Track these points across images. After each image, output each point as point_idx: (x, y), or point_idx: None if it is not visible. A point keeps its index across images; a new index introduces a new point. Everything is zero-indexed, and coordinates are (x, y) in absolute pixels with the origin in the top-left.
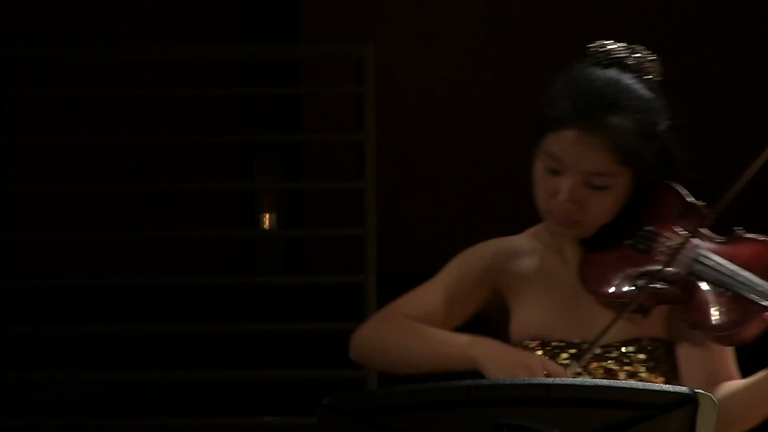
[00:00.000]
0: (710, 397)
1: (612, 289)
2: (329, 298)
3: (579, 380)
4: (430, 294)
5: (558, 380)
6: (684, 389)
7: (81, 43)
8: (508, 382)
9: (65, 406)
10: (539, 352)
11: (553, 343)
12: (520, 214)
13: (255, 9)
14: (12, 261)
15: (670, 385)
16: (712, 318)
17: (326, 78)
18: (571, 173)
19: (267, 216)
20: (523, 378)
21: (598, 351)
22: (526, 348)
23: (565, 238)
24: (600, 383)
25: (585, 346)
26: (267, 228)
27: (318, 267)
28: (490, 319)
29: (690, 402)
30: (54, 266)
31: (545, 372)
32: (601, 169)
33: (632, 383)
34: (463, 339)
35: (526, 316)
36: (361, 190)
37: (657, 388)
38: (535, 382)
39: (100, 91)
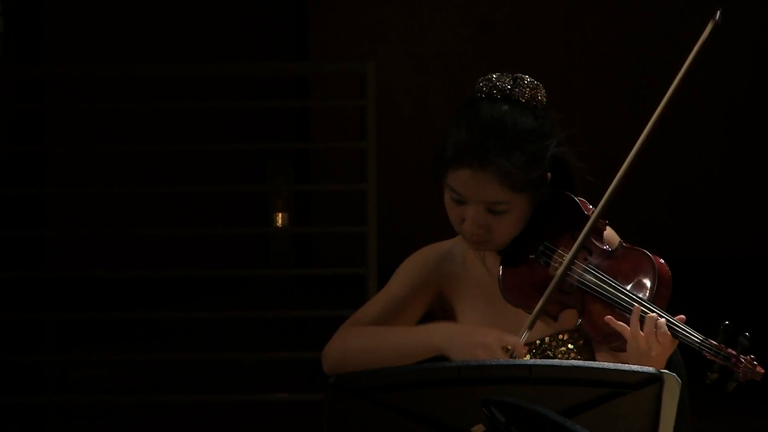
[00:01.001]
0: (674, 376)
1: (523, 299)
2: (335, 288)
3: (557, 361)
4: (382, 304)
5: (539, 361)
6: (651, 369)
7: (114, 60)
8: (494, 363)
9: (98, 384)
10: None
11: None
12: None
13: (270, 31)
14: (51, 255)
15: (639, 366)
16: (598, 330)
17: (332, 92)
18: (472, 203)
19: (279, 215)
20: (506, 359)
21: (524, 349)
22: None
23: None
24: (576, 364)
25: (509, 349)
26: (279, 226)
27: (325, 260)
28: (436, 318)
29: (656, 381)
30: (89, 260)
31: (503, 346)
32: (496, 199)
33: (605, 364)
34: (423, 329)
35: (467, 313)
36: (363, 192)
37: (627, 368)
38: (518, 363)
39: (130, 104)
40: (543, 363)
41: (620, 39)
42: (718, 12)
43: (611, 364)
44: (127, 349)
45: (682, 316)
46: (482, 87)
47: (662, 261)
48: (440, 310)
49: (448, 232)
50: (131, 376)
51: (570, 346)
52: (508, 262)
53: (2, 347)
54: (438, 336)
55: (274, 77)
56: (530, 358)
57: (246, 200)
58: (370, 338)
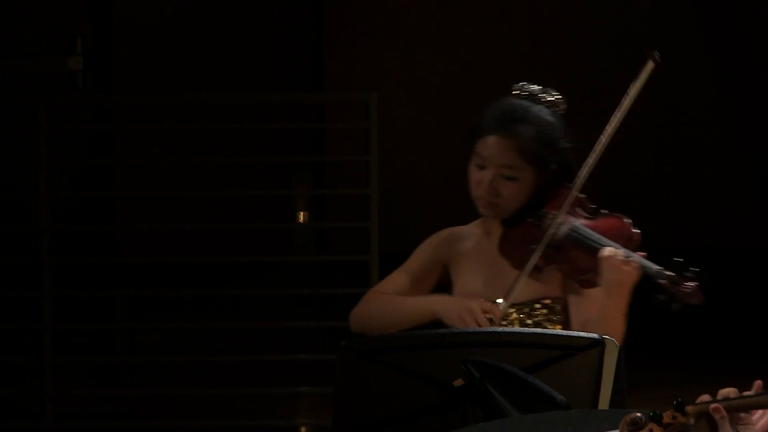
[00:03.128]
0: (614, 341)
1: (517, 253)
2: (344, 271)
3: (521, 329)
4: (400, 278)
5: (506, 329)
6: (595, 335)
7: (169, 89)
8: (470, 330)
9: (157, 347)
10: None
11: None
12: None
13: (295, 66)
14: (122, 244)
15: (585, 332)
16: (576, 269)
17: (343, 116)
18: (491, 167)
19: (301, 213)
20: (473, 324)
21: (513, 309)
22: None
23: (493, 224)
24: (535, 331)
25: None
26: (301, 222)
27: (337, 249)
28: (446, 291)
29: (599, 345)
30: (152, 248)
31: (483, 310)
32: (510, 163)
33: (559, 331)
34: (426, 299)
35: (463, 282)
36: (367, 195)
37: (575, 335)
38: (490, 330)
39: (184, 125)
40: (509, 330)
41: (573, 76)
42: (657, 53)
43: (564, 331)
44: (181, 318)
45: (644, 253)
46: (516, 89)
47: (628, 223)
48: (446, 281)
49: (434, 226)
50: (185, 340)
51: (546, 311)
52: (508, 224)
53: (81, 318)
54: (436, 304)
55: (298, 104)
56: (516, 315)
57: (275, 202)
58: (387, 304)
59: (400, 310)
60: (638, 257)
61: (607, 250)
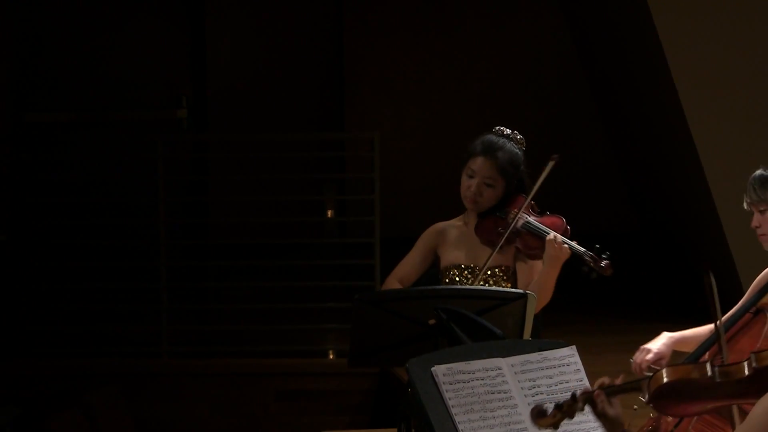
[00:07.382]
0: (533, 294)
1: (488, 235)
2: (358, 249)
3: (474, 287)
4: (408, 262)
5: (462, 287)
6: (520, 291)
7: (246, 130)
8: (438, 288)
9: (237, 298)
10: (454, 271)
11: (462, 266)
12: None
13: (326, 115)
14: (212, 231)
15: (514, 289)
16: (529, 248)
17: (357, 147)
18: (477, 177)
19: (330, 211)
20: (446, 286)
21: (480, 272)
22: (447, 270)
23: (470, 217)
24: (481, 288)
25: (476, 268)
26: (330, 216)
27: (353, 234)
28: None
29: (523, 297)
30: (232, 233)
31: None
32: (491, 176)
33: (498, 288)
34: None
35: (447, 256)
36: (372, 199)
37: (507, 290)
38: (452, 287)
39: (255, 153)
40: (466, 288)
41: (512, 118)
42: (558, 155)
43: (502, 288)
44: (252, 279)
45: (576, 241)
46: (495, 131)
47: (564, 221)
48: (437, 259)
49: (421, 223)
50: (253, 293)
51: (501, 274)
52: (482, 216)
53: (186, 278)
54: None
55: (327, 140)
56: (482, 276)
57: (312, 204)
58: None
59: None
60: (571, 243)
61: (551, 235)
